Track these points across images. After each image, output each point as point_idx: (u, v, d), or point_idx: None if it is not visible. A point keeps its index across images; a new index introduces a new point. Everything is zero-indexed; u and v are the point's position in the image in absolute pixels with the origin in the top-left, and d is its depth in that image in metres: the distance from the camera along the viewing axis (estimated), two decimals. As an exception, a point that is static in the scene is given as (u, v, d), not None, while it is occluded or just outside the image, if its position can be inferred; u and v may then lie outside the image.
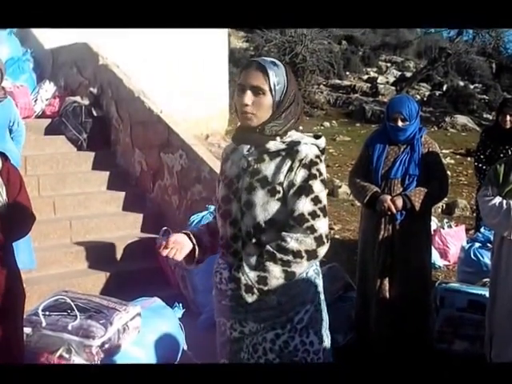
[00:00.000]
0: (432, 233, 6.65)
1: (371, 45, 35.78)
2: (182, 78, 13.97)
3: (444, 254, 8.55)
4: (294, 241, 2.94)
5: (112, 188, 8.53)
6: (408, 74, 30.35)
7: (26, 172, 7.91)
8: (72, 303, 5.04)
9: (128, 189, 8.51)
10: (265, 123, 3.07)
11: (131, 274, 7.00)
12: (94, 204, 8.17)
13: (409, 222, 5.48)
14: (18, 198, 4.41)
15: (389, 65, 33.75)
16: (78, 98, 9.31)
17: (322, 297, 3.26)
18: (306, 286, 3.15)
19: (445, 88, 27.69)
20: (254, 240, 3.07)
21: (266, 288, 2.97)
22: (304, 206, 2.98)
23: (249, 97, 3.02)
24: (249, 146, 3.13)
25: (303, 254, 2.95)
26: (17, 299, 4.49)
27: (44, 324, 4.89)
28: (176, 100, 12.36)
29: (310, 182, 3.00)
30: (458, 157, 17.12)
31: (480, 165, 7.70)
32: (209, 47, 14.99)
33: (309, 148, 3.05)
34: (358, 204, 6.22)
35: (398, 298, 5.49)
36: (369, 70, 32.66)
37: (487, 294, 5.19)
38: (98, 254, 7.34)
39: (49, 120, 9.47)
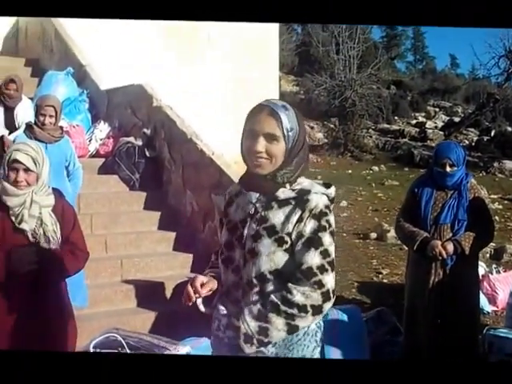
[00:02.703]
0: (480, 278, 6.62)
1: (420, 90, 35.88)
2: (235, 120, 14.11)
3: (492, 300, 8.44)
4: (300, 294, 2.81)
5: (163, 228, 8.57)
6: (456, 119, 30.35)
7: (80, 210, 7.97)
8: (123, 341, 5.09)
9: (179, 229, 8.54)
10: (276, 170, 2.91)
11: (180, 313, 7.01)
12: (145, 243, 8.22)
13: (458, 267, 5.51)
14: (71, 235, 4.50)
15: (437, 110, 33.77)
16: (131, 139, 9.38)
17: (318, 350, 3.05)
18: (306, 341, 2.97)
19: (493, 133, 27.55)
20: (256, 289, 2.93)
21: (266, 340, 2.85)
22: (313, 259, 2.84)
23: (262, 144, 2.86)
24: (258, 194, 2.98)
25: (308, 308, 2.82)
26: (69, 335, 4.57)
27: (95, 361, 4.93)
28: (228, 143, 12.48)
29: (320, 234, 2.86)
30: (506, 202, 16.96)
31: None
32: (260, 91, 15.14)
33: (319, 197, 2.90)
34: (407, 248, 6.22)
35: (447, 343, 5.48)
36: (417, 114, 32.70)
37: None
38: (148, 293, 7.36)
39: (102, 159, 9.55)
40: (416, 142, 26.41)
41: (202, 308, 3.07)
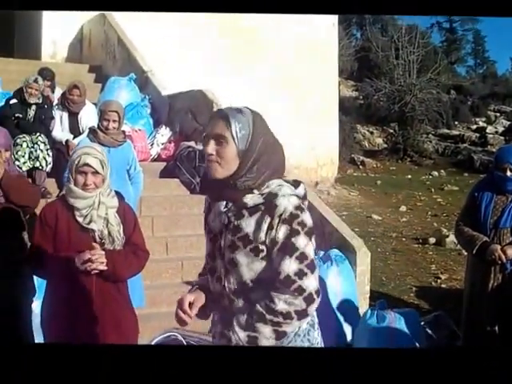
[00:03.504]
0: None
1: (480, 94, 35.40)
2: (295, 128, 14.15)
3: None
4: (282, 302, 2.78)
5: (223, 231, 8.59)
6: (517, 124, 29.88)
7: (141, 213, 8.05)
8: (183, 340, 5.18)
9: (238, 232, 8.55)
10: (235, 177, 2.87)
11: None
12: (206, 246, 8.26)
13: (518, 272, 5.48)
14: (133, 236, 4.62)
15: (498, 114, 33.26)
16: (192, 143, 9.47)
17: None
18: (298, 342, 2.95)
19: (554, 138, 27.10)
20: (241, 297, 2.91)
21: None
22: (289, 266, 2.78)
23: (212, 146, 2.87)
24: (225, 203, 2.94)
25: (293, 314, 2.80)
26: (132, 334, 4.69)
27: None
28: (288, 149, 12.56)
29: (293, 240, 2.79)
30: None
31: None
32: (320, 97, 15.19)
33: (287, 200, 2.82)
34: (466, 253, 6.22)
35: (507, 348, 5.46)
36: (477, 119, 32.28)
37: None
38: (208, 295, 7.41)
39: (164, 163, 9.69)
40: (476, 147, 26.12)
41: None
